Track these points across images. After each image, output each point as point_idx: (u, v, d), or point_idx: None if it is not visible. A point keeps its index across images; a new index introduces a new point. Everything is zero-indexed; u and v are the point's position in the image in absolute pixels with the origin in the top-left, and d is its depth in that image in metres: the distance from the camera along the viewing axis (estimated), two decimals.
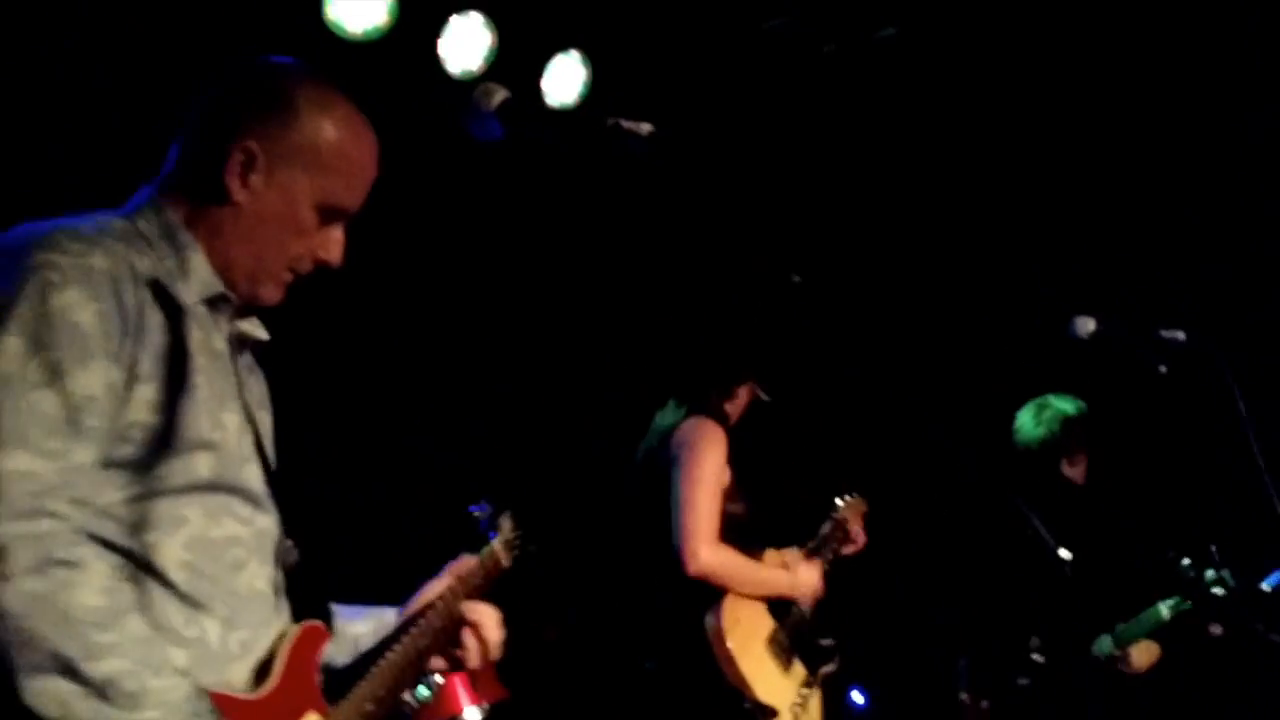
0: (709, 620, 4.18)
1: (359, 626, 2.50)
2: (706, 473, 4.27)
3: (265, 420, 2.41)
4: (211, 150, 2.27)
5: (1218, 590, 4.69)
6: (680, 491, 4.25)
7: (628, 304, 6.24)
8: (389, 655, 2.40)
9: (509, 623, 4.80)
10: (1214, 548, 4.71)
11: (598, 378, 6.22)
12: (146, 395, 2.11)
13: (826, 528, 4.72)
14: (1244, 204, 5.72)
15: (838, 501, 4.86)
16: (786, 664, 4.36)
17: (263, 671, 2.23)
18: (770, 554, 4.56)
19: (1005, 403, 5.36)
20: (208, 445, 2.17)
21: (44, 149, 4.54)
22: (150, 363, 2.12)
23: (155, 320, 2.15)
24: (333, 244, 2.35)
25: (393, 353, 5.76)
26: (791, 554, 4.63)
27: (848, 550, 4.79)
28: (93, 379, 2.05)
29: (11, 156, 4.45)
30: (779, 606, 4.43)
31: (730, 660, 4.13)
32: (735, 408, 4.52)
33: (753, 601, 4.34)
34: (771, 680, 4.25)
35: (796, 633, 4.42)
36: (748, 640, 4.24)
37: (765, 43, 5.86)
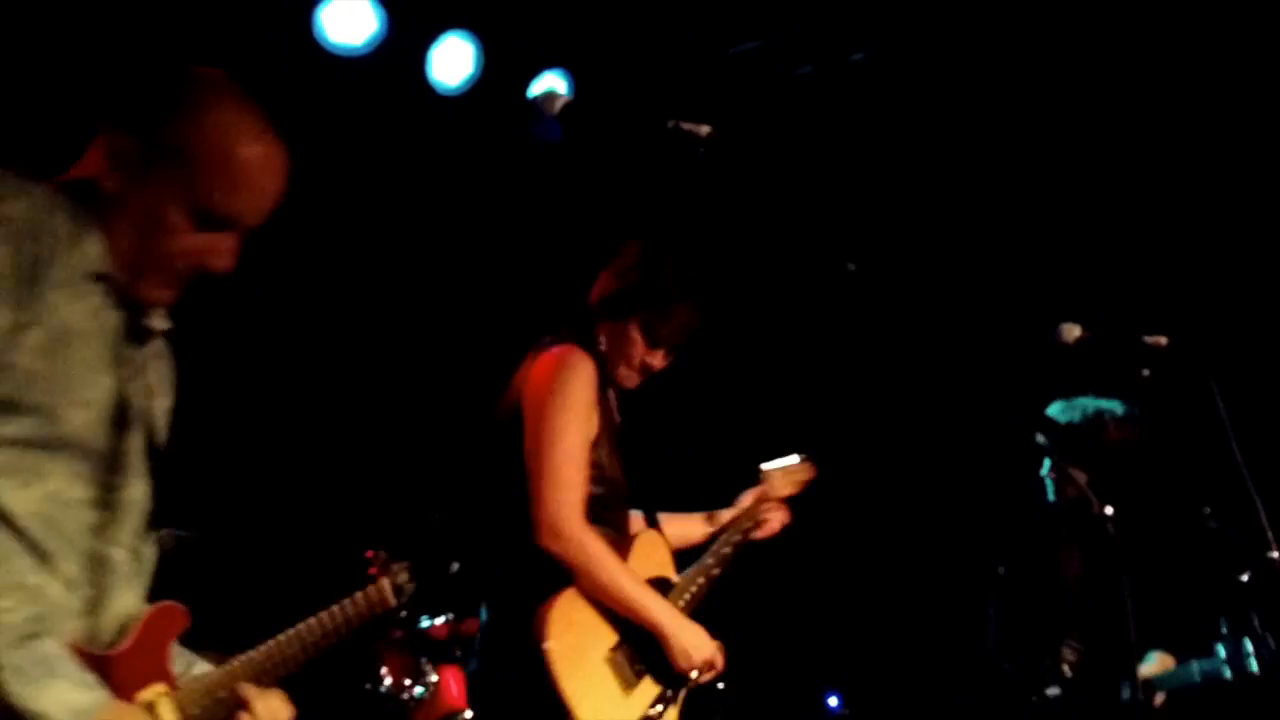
0: (537, 620, 3.31)
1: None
2: (569, 416, 3.37)
3: (162, 403, 2.45)
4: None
5: (1253, 664, 4.48)
6: (537, 438, 3.36)
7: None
8: (245, 656, 2.47)
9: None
10: (1255, 615, 4.51)
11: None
12: (31, 341, 2.17)
13: (745, 500, 4.00)
14: (1226, 208, 5.79)
15: (764, 468, 4.06)
16: (632, 681, 3.46)
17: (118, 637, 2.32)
18: (635, 517, 3.71)
19: (995, 409, 5.39)
20: (80, 404, 2.24)
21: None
22: (39, 314, 2.18)
23: (55, 277, 2.20)
24: (217, 252, 2.31)
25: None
26: (680, 519, 3.90)
27: (759, 535, 3.98)
28: None
29: None
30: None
31: (552, 674, 3.25)
32: (622, 347, 3.59)
33: (591, 602, 3.43)
34: (603, 702, 3.35)
35: (649, 644, 3.49)
36: (582, 646, 3.37)
37: (736, 66, 5.91)
